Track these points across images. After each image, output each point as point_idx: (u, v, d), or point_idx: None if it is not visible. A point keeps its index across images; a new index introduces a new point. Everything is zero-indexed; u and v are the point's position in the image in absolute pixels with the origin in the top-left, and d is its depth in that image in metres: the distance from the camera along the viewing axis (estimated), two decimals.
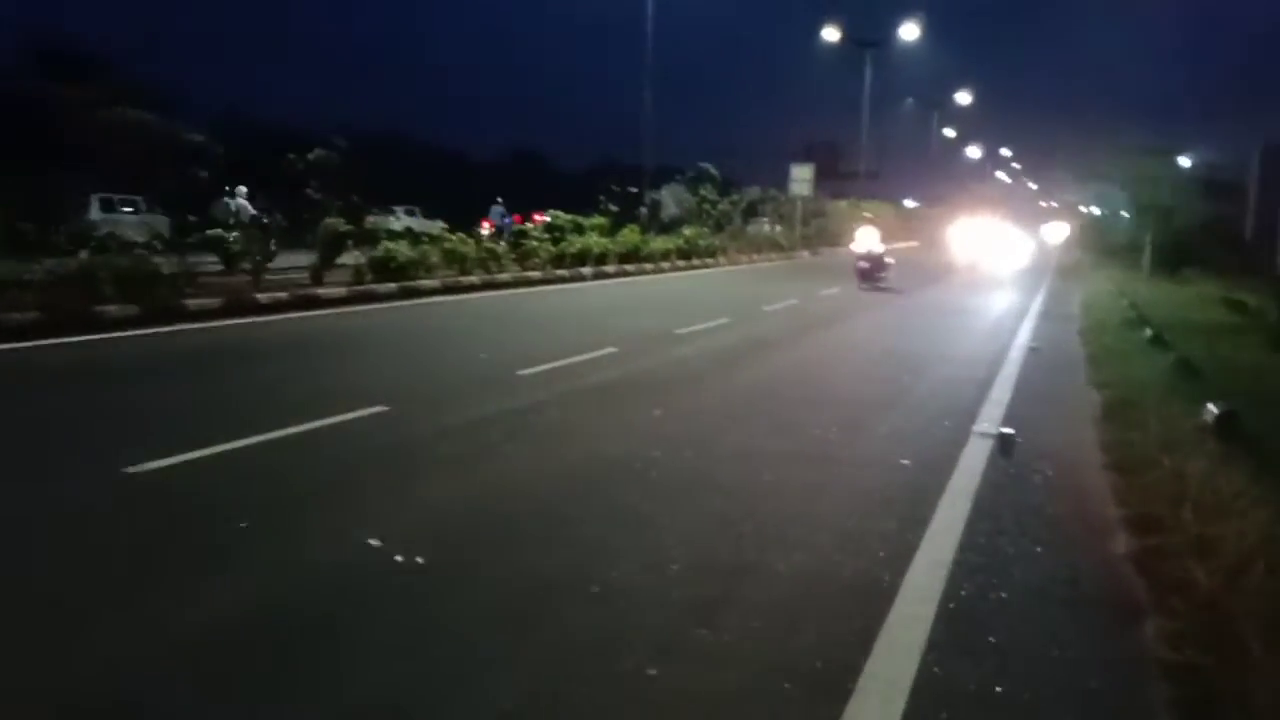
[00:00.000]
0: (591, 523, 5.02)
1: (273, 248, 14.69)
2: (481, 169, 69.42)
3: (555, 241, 21.35)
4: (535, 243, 20.27)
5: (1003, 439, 7.55)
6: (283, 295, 13.29)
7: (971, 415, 8.44)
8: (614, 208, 24.52)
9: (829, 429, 7.52)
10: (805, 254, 36.73)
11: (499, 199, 27.74)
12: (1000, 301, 20.32)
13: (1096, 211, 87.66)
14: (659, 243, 24.79)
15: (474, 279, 17.29)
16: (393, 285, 15.17)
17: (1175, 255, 27.25)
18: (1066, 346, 13.71)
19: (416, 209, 43.44)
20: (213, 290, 13.10)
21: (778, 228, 39.74)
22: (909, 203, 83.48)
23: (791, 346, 12.39)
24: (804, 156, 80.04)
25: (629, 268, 23.01)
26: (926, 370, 10.84)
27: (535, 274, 19.37)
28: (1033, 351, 13.06)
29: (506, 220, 26.02)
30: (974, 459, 6.81)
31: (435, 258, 16.84)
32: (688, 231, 26.68)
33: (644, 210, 26.90)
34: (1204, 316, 17.11)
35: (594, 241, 21.78)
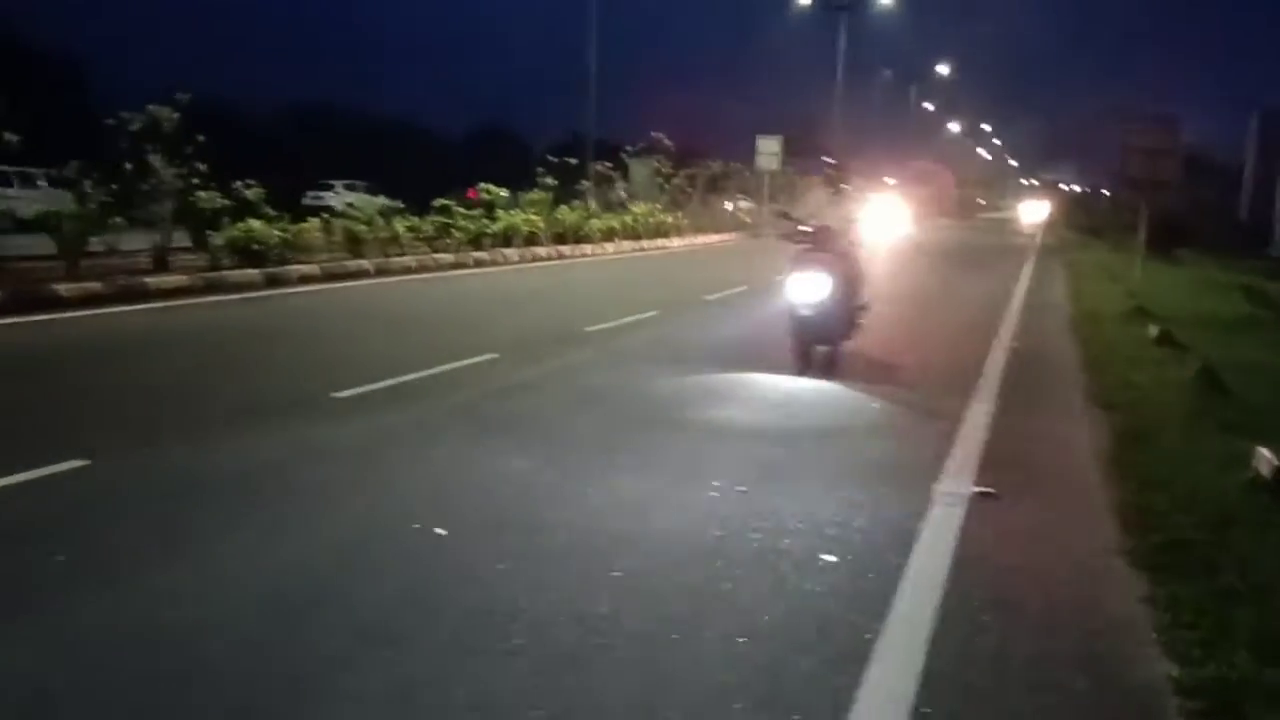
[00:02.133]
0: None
1: (117, 222, 11.98)
2: (450, 146, 66.38)
3: (487, 219, 18.80)
4: (453, 221, 17.68)
5: (980, 498, 5.26)
6: (96, 286, 10.73)
7: (935, 456, 6.11)
8: (551, 181, 21.93)
9: (717, 503, 5.09)
10: (773, 233, 34.33)
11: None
12: (977, 287, 17.99)
13: (1078, 189, 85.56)
14: (601, 221, 22.27)
15: (365, 264, 14.76)
16: (254, 272, 12.64)
17: (1168, 235, 24.98)
18: (1056, 346, 11.40)
19: (359, 184, 40.76)
20: (8, 279, 10.57)
21: (746, 204, 37.34)
22: (889, 179, 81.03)
23: (720, 349, 10.01)
24: (780, 132, 77.68)
25: (565, 249, 20.51)
26: (880, 387, 8.49)
27: (446, 257, 16.82)
28: (1014, 353, 10.78)
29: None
30: (935, 546, 4.47)
31: (312, 238, 14.29)
32: (636, 208, 24.16)
33: (586, 183, 24.34)
34: (1212, 306, 14.88)
35: (520, 220, 19.21)
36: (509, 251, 18.45)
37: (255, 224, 12.98)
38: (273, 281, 12.75)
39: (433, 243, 17.06)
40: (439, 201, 18.61)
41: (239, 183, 13.74)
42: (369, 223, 15.48)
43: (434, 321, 11.23)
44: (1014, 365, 9.77)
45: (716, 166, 31.79)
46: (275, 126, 63.30)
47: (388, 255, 15.61)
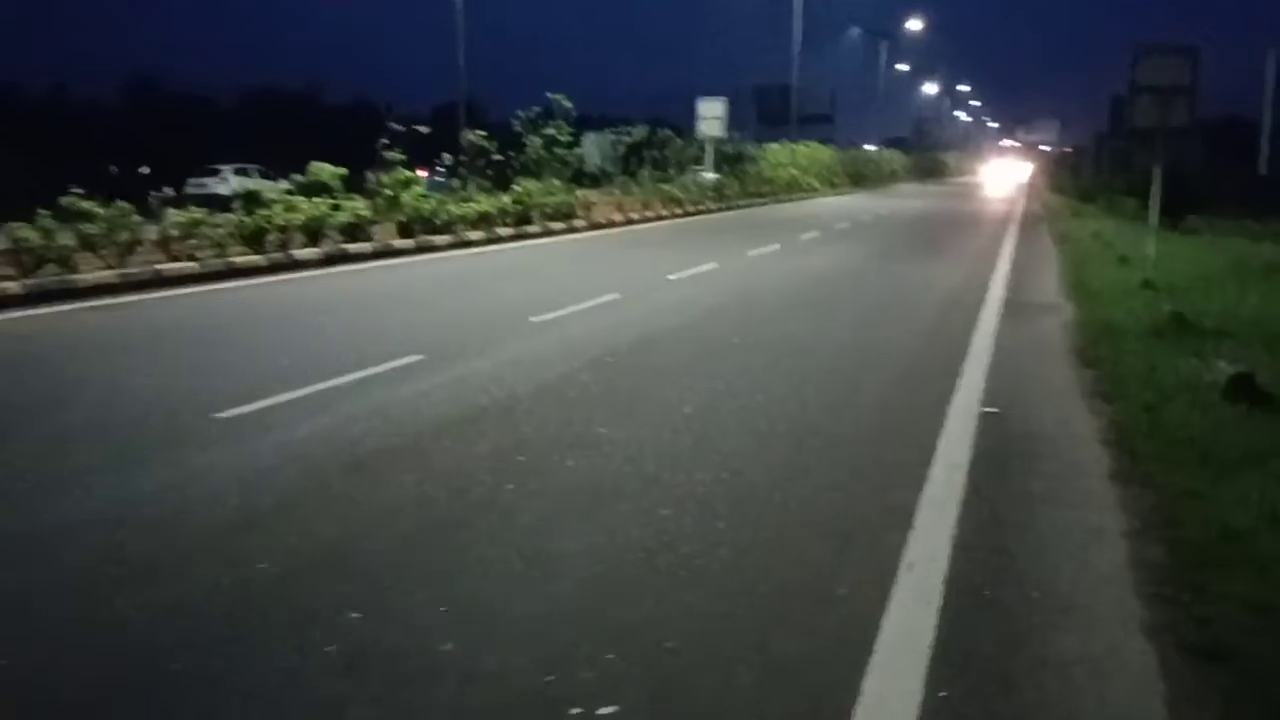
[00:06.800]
0: None
1: None
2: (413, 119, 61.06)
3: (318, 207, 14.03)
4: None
5: None
6: None
7: None
8: (399, 155, 17.03)
9: None
10: (712, 209, 29.26)
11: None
12: (935, 284, 13.15)
13: (1063, 149, 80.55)
14: (465, 206, 17.30)
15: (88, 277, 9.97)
16: None
17: (1180, 197, 20.06)
18: (1058, 407, 6.64)
19: (250, 167, 35.57)
20: None
21: (711, 175, 32.38)
22: (869, 146, 75.46)
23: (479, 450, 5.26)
24: (752, 99, 72.32)
25: (403, 243, 15.56)
26: (757, 512, 3.76)
27: (187, 267, 11.84)
28: (989, 418, 6.16)
29: None
30: None
31: None
32: (521, 187, 19.25)
33: (453, 159, 19.37)
34: (1268, 301, 10.18)
35: (324, 209, 14.14)
36: (303, 253, 13.49)
37: None
38: None
39: (180, 243, 12.11)
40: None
41: None
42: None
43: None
44: (982, 481, 4.99)
45: (640, 132, 26.66)
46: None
47: (111, 265, 10.82)
